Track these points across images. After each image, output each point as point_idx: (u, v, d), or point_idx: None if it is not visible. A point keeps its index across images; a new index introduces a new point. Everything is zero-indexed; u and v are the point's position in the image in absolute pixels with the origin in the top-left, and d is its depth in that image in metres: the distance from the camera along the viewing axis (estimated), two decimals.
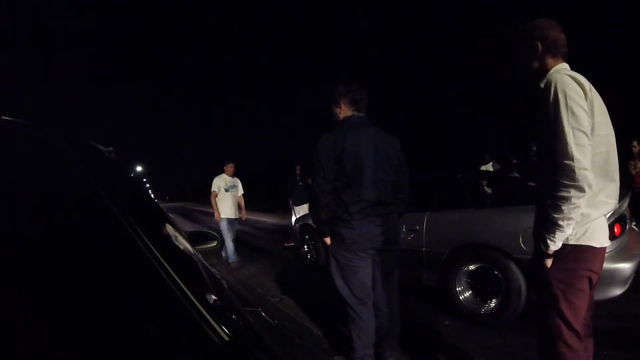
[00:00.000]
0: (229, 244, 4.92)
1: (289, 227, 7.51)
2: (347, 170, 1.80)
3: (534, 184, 4.23)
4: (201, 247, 1.49)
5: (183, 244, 0.75)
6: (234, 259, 4.94)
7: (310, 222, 4.56)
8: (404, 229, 3.11)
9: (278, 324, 0.91)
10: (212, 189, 5.02)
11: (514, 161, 6.57)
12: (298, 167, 6.50)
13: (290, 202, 6.53)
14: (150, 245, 0.50)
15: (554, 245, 1.18)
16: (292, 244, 6.06)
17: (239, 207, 5.18)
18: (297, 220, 5.26)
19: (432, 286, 3.01)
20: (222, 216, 4.93)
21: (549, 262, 1.21)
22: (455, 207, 3.02)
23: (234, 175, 5.18)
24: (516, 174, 6.16)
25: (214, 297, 0.61)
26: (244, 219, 5.27)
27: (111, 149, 0.84)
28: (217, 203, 4.98)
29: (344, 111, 1.96)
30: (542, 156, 1.27)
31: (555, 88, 1.13)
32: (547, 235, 1.18)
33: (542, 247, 1.21)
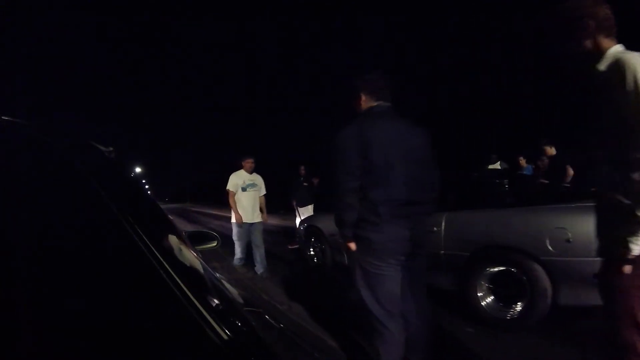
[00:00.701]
0: (237, 248, 4.56)
1: (291, 228, 7.42)
2: (374, 165, 1.59)
3: (546, 182, 4.17)
4: (201, 247, 1.49)
5: (183, 244, 0.75)
6: (237, 263, 4.67)
7: (316, 223, 4.45)
8: None
9: (283, 327, 0.91)
10: (228, 188, 4.35)
11: (522, 161, 6.49)
12: (302, 167, 6.42)
13: (294, 203, 6.46)
14: (150, 245, 0.50)
15: (639, 248, 1.05)
16: (296, 246, 6.03)
17: (260, 208, 4.46)
18: (301, 222, 5.14)
19: (451, 291, 2.83)
20: (233, 221, 4.39)
21: (628, 269, 1.07)
22: (476, 207, 2.85)
23: (253, 171, 4.46)
24: (527, 173, 6.08)
25: (214, 297, 0.61)
26: (266, 222, 4.58)
27: (111, 149, 0.84)
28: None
29: (365, 102, 1.79)
30: (607, 146, 1.15)
31: (635, 71, 1.03)
32: (630, 238, 1.04)
33: (624, 251, 1.07)
